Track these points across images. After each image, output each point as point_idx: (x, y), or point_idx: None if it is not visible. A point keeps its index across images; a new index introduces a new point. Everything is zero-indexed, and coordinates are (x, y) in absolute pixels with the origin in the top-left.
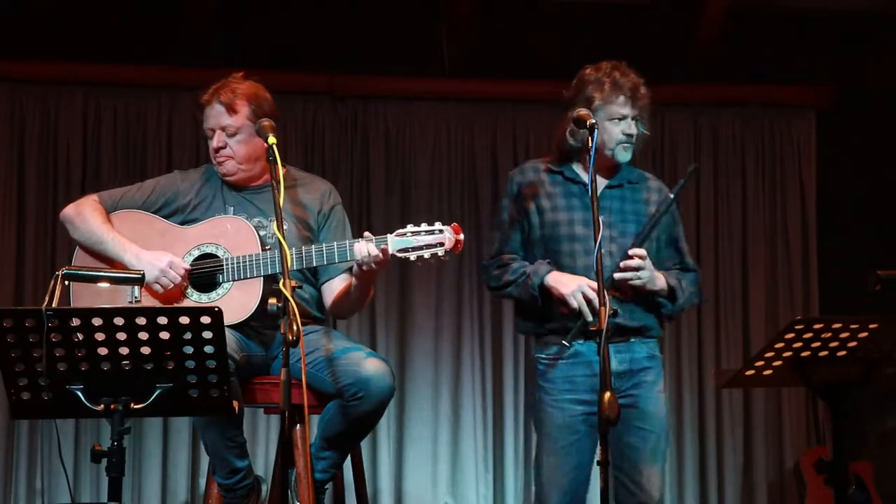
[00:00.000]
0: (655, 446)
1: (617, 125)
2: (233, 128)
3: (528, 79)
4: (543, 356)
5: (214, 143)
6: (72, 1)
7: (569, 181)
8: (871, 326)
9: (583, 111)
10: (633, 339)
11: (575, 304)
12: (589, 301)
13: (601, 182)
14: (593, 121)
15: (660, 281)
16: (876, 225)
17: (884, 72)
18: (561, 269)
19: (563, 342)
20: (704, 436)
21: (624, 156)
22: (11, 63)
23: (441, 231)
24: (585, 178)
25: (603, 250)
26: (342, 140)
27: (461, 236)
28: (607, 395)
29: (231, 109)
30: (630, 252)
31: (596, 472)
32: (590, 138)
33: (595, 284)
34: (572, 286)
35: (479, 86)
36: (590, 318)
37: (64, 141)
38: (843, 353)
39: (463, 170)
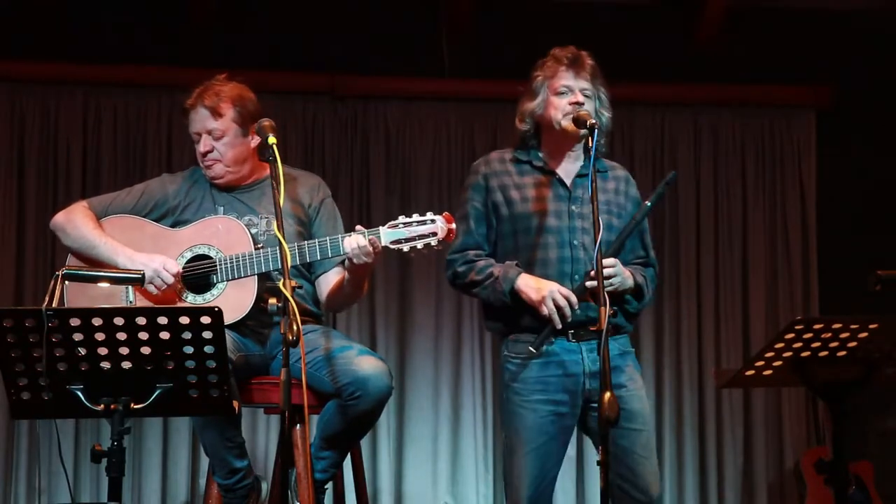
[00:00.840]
0: (646, 443)
1: (563, 98)
2: (219, 131)
3: (528, 79)
4: (513, 355)
5: (201, 148)
6: (72, 1)
7: (537, 170)
8: (871, 326)
9: (582, 112)
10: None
11: (545, 311)
12: (559, 308)
13: (570, 170)
14: (593, 121)
15: (629, 280)
16: (876, 225)
17: (884, 72)
18: (533, 262)
19: (531, 349)
20: (704, 436)
21: (572, 129)
22: (11, 63)
23: (433, 221)
24: (557, 168)
25: (575, 241)
26: (342, 140)
27: (453, 225)
28: (607, 395)
29: (216, 113)
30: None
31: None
32: (590, 138)
33: (565, 290)
34: (543, 292)
35: (479, 86)
36: (559, 325)
37: (64, 141)
38: (843, 353)
39: (463, 170)
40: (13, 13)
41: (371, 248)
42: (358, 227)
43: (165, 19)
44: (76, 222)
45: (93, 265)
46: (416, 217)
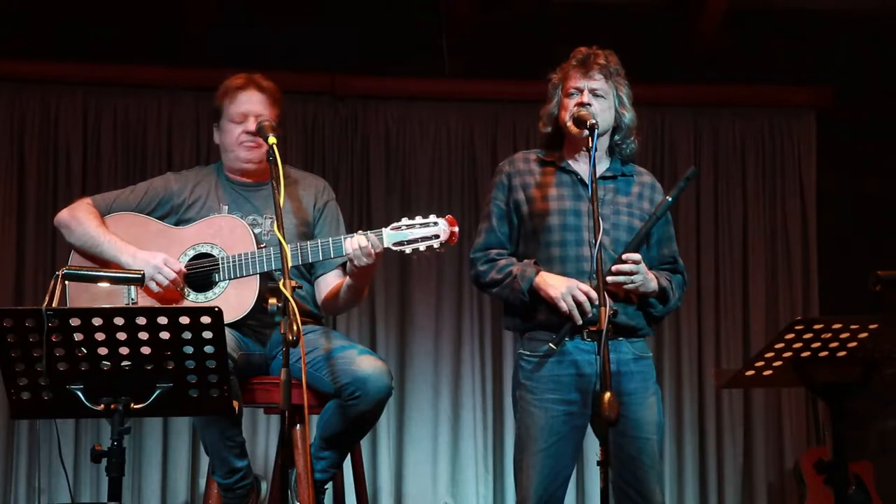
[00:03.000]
0: (652, 452)
1: (572, 99)
2: (266, 118)
3: (528, 79)
4: (528, 353)
5: (249, 127)
6: (73, 1)
7: (560, 171)
8: (871, 326)
9: (582, 112)
10: (620, 339)
11: (565, 307)
12: (579, 304)
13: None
14: (593, 121)
15: (652, 283)
16: (876, 225)
17: (884, 72)
18: (551, 259)
19: (551, 345)
20: (704, 436)
21: (575, 132)
22: (11, 63)
23: (436, 223)
24: (576, 167)
25: (593, 240)
26: (342, 140)
27: (456, 228)
28: (607, 395)
29: (273, 102)
30: (624, 256)
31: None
32: (590, 138)
33: (584, 286)
34: (562, 289)
35: (479, 86)
36: (579, 321)
37: (64, 141)
38: (843, 353)
39: (463, 170)
40: (13, 13)
41: (372, 250)
42: (360, 231)
43: (165, 19)
44: (80, 219)
45: (96, 263)
46: (419, 219)
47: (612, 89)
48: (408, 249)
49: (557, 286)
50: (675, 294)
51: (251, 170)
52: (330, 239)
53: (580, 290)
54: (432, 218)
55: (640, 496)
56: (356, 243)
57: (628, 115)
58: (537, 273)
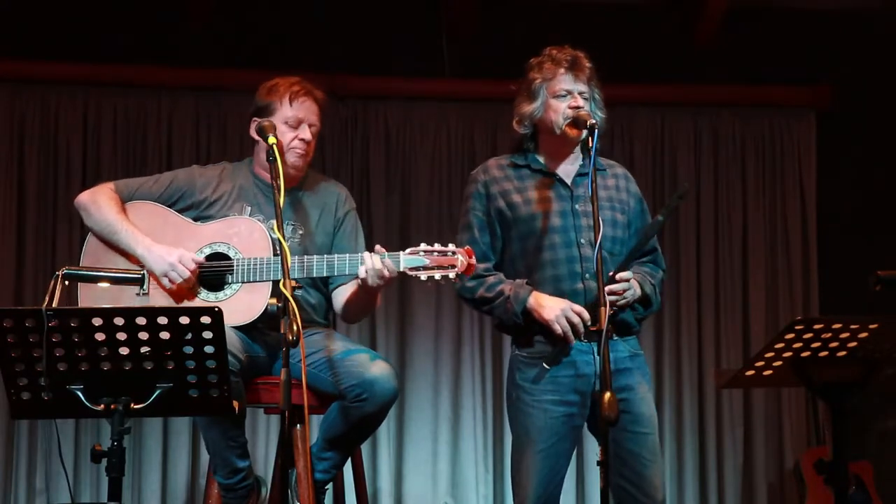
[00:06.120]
0: (652, 447)
1: (562, 101)
2: (316, 129)
3: (523, 78)
4: (525, 355)
5: (304, 135)
6: (73, 1)
7: (537, 172)
8: (871, 326)
9: (582, 112)
10: (615, 338)
11: (559, 329)
12: (573, 325)
13: (569, 170)
14: (593, 121)
15: (638, 291)
16: (876, 225)
17: (884, 72)
18: (542, 263)
19: (545, 364)
20: (704, 436)
21: (573, 133)
22: (11, 63)
23: (454, 253)
24: (555, 169)
25: (581, 240)
26: (342, 140)
27: (473, 259)
28: (607, 395)
29: (322, 112)
30: (616, 276)
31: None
32: (590, 138)
33: (577, 307)
34: (556, 311)
35: (479, 86)
36: (573, 342)
37: (64, 141)
38: (843, 353)
39: (463, 170)
40: (13, 13)
41: (386, 273)
42: (378, 248)
43: (165, 19)
44: (100, 204)
45: (111, 248)
46: (437, 246)
47: (592, 91)
48: (423, 276)
49: (551, 308)
50: (657, 297)
51: (291, 175)
52: (335, 256)
53: (573, 311)
54: (451, 247)
55: (641, 492)
56: (369, 262)
57: (601, 116)
58: (530, 294)
